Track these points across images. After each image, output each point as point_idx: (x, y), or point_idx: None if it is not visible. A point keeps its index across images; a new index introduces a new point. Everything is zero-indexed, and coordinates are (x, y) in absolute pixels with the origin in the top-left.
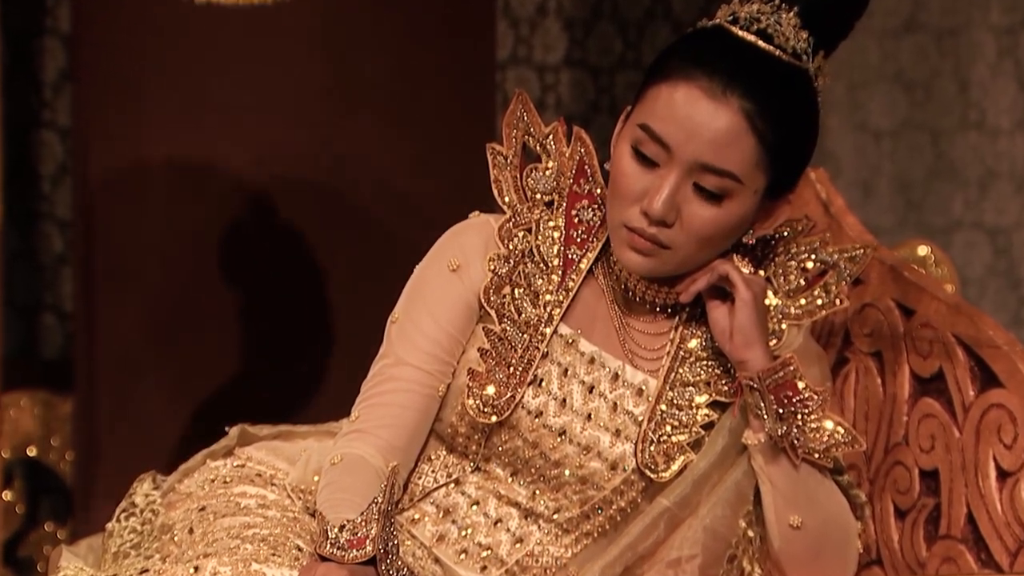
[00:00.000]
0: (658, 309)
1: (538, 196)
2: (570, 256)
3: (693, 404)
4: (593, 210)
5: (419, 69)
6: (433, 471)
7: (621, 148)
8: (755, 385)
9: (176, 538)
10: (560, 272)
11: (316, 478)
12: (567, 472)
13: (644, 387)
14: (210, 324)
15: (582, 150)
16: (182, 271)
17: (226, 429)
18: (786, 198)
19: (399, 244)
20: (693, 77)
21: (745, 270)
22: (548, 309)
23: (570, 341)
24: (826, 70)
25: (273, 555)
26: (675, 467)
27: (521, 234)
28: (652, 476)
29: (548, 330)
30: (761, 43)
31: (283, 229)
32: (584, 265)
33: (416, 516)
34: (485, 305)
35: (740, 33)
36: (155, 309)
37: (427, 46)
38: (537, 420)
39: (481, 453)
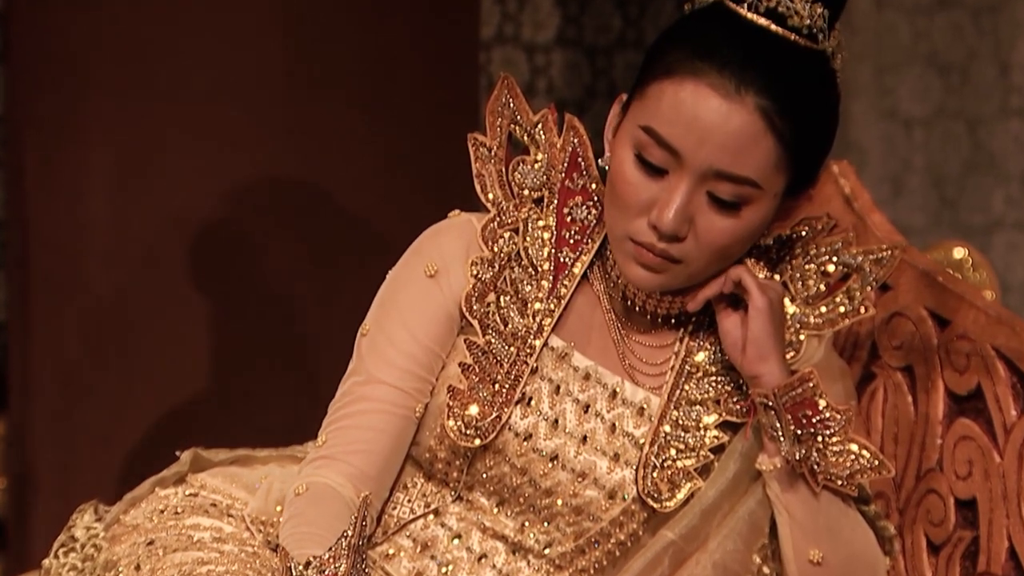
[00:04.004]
0: (660, 319)
1: (526, 192)
2: (562, 259)
3: (701, 425)
4: (588, 208)
5: (393, 49)
6: (409, 501)
7: (622, 151)
8: (770, 403)
9: (121, 575)
10: (551, 277)
11: (279, 508)
12: (560, 501)
13: (646, 406)
14: (160, 335)
15: (575, 140)
16: (129, 275)
17: (177, 454)
18: (806, 194)
19: (371, 246)
20: (701, 72)
21: (759, 275)
22: (537, 319)
23: (562, 355)
24: (842, 45)
25: None
26: (681, 496)
27: (507, 235)
28: (655, 506)
29: (538, 342)
30: (774, 27)
31: (241, 229)
32: (578, 270)
33: (391, 551)
34: (467, 315)
35: (749, 15)
36: (99, 318)
37: (403, 23)
38: (526, 443)
39: (463, 480)
